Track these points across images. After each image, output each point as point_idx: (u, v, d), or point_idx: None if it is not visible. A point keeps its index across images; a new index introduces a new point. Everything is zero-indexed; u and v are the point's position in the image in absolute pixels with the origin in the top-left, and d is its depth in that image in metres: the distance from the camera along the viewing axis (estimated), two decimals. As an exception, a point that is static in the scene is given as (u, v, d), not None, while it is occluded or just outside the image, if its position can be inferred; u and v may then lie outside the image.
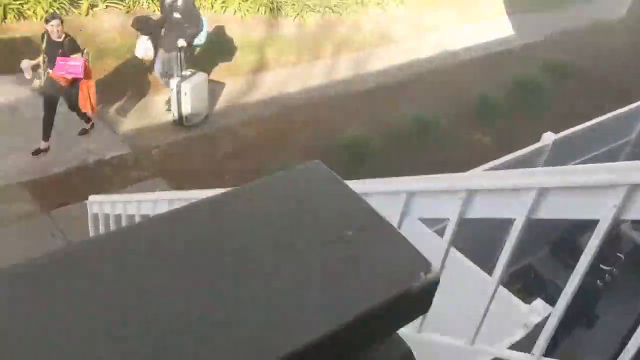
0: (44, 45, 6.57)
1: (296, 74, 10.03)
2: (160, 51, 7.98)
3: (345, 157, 7.78)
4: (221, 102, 8.89)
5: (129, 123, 8.13)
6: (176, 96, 7.84)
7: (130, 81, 8.71)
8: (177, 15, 7.70)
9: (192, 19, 7.83)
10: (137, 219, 4.36)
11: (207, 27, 8.26)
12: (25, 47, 8.31)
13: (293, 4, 11.52)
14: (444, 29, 12.34)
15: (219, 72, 9.57)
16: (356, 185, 2.53)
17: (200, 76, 8.07)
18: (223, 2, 10.89)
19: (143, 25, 7.91)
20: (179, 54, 7.89)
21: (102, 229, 5.09)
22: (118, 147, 7.57)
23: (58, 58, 6.39)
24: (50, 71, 6.58)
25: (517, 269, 5.50)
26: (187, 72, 7.95)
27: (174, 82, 7.81)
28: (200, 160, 7.57)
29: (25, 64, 6.69)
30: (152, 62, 8.19)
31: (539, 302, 3.41)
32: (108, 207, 4.79)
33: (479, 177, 2.03)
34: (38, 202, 6.49)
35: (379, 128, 8.53)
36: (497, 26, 12.76)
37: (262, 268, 0.52)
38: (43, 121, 6.85)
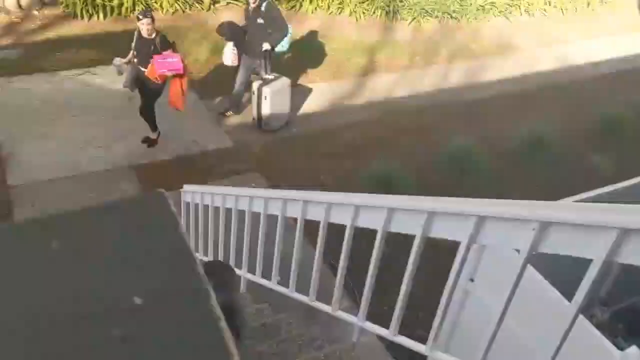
0: (133, 43, 6.61)
1: (406, 79, 9.81)
2: (244, 57, 7.94)
3: (447, 168, 7.46)
4: (324, 103, 8.88)
5: (232, 119, 8.35)
6: (256, 100, 7.85)
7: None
8: (260, 20, 7.62)
9: (276, 24, 7.71)
10: (222, 211, 4.41)
11: (291, 34, 8.12)
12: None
13: (410, 8, 11.30)
14: (570, 42, 11.54)
15: (326, 73, 9.58)
16: (417, 202, 2.35)
17: (283, 81, 8.00)
18: (340, 4, 10.90)
19: (227, 31, 7.88)
20: (263, 59, 7.85)
21: (192, 218, 5.22)
22: (221, 140, 7.78)
23: (155, 56, 6.40)
24: (142, 69, 6.60)
25: (620, 308, 4.93)
26: (269, 76, 7.92)
27: (255, 85, 7.81)
28: (297, 160, 7.59)
29: (118, 61, 6.74)
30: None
31: (634, 350, 3.02)
32: (198, 197, 4.90)
33: (556, 207, 1.77)
34: (142, 186, 6.80)
35: (489, 140, 8.09)
36: (627, 42, 11.71)
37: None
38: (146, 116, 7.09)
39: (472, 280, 3.89)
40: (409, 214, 2.34)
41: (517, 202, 1.85)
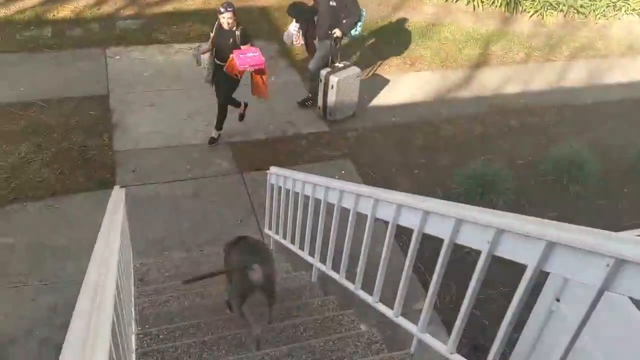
0: (212, 34, 6.41)
1: (520, 75, 9.22)
2: (317, 44, 7.62)
3: (551, 174, 6.94)
4: (429, 93, 8.56)
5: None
6: (323, 88, 7.53)
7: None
8: (332, 3, 7.17)
9: (350, 7, 7.22)
10: (300, 197, 4.36)
11: (364, 17, 7.64)
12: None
13: (533, 0, 10.58)
14: None
15: (435, 62, 9.23)
16: (484, 216, 2.13)
17: (352, 70, 7.60)
18: (456, -8, 10.45)
19: (298, 12, 7.55)
20: (332, 44, 7.41)
21: (275, 199, 5.23)
22: (317, 125, 7.73)
23: (235, 51, 6.20)
24: (219, 62, 6.44)
25: None
26: (338, 64, 7.57)
27: (323, 73, 7.48)
28: (392, 151, 7.39)
29: (196, 50, 6.55)
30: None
31: None
32: (281, 181, 4.89)
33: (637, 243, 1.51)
34: (236, 162, 6.93)
35: (602, 149, 7.42)
36: None
37: None
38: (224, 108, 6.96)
39: (557, 300, 3.61)
40: (475, 227, 2.14)
41: (591, 230, 1.61)
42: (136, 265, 5.28)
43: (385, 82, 8.72)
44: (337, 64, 7.56)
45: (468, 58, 9.39)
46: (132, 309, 3.43)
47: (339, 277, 3.59)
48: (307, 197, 4.26)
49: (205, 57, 6.54)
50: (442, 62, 9.27)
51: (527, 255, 1.84)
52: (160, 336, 3.32)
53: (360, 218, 3.25)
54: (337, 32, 7.25)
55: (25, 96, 7.51)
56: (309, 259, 4.22)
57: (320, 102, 7.75)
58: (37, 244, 5.50)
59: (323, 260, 3.93)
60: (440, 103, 8.39)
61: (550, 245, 1.72)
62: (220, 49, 6.35)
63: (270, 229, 5.58)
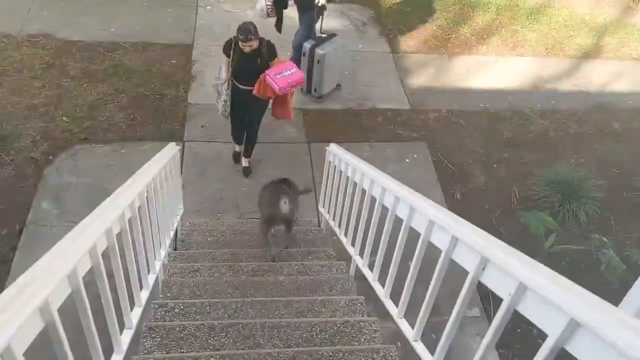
0: (231, 59, 5.20)
1: (632, 72, 8.27)
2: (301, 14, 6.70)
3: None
4: (526, 81, 7.87)
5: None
6: (307, 62, 6.76)
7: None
8: None
9: None
10: (350, 182, 4.07)
11: None
12: None
13: (665, -11, 9.40)
14: None
15: (539, 47, 8.45)
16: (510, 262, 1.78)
17: (336, 41, 6.86)
18: (577, -29, 9.45)
19: None
20: (316, 13, 6.58)
21: (329, 179, 4.99)
22: (398, 100, 7.32)
23: (269, 72, 5.08)
24: (244, 87, 5.30)
25: None
26: (323, 35, 6.81)
27: (307, 45, 6.67)
28: (474, 140, 6.87)
29: (216, 81, 5.47)
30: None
31: None
32: (337, 160, 4.62)
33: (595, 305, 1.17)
34: (305, 131, 6.71)
35: None
36: None
37: None
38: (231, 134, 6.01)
39: None
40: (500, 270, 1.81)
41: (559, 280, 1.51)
42: (186, 224, 5.26)
43: (481, 63, 8.11)
44: (321, 35, 6.87)
45: (578, 47, 8.52)
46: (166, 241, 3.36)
47: (372, 278, 3.31)
48: (356, 184, 3.96)
49: (223, 88, 5.41)
50: (547, 48, 8.47)
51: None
52: (176, 310, 3.21)
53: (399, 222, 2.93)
54: (322, 1, 6.45)
55: (114, 37, 7.62)
56: (349, 249, 3.95)
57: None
58: (98, 187, 5.58)
59: (362, 254, 3.66)
60: (537, 94, 7.69)
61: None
62: (245, 74, 5.22)
63: (323, 206, 5.35)
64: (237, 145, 6.16)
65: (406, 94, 7.45)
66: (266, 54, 5.15)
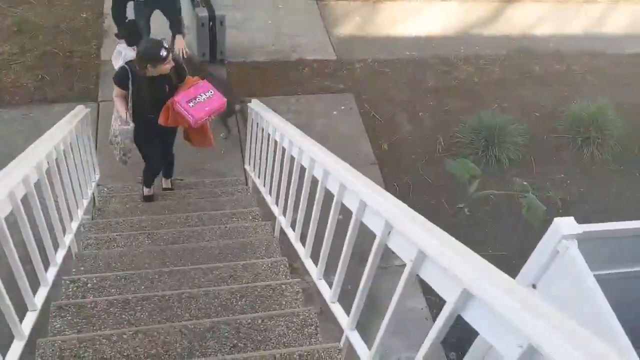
0: (130, 88, 3.93)
1: (555, 16, 8.40)
2: None
3: (566, 131, 6.37)
4: (449, 27, 7.85)
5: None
6: (209, 32, 6.27)
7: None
8: None
9: None
10: (271, 141, 3.95)
11: None
12: None
13: None
14: None
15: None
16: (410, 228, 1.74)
17: None
18: None
19: None
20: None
21: (253, 136, 4.85)
22: (324, 51, 7.16)
23: (179, 100, 3.95)
24: (150, 115, 4.08)
25: None
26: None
27: (203, 14, 6.17)
28: (399, 89, 6.84)
29: (129, 125, 4.06)
30: None
31: None
32: (258, 117, 4.48)
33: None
34: (231, 81, 6.47)
35: (630, 108, 6.74)
36: None
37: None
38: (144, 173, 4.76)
39: (534, 286, 3.29)
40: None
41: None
42: (103, 190, 5.03)
43: (407, 9, 8.01)
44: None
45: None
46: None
47: (294, 239, 3.25)
48: (277, 142, 3.85)
49: (117, 127, 4.13)
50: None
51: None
52: (89, 285, 3.05)
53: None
54: None
55: (16, -10, 7.04)
56: (273, 208, 3.87)
57: (203, 48, 6.43)
58: (6, 155, 5.20)
59: (285, 214, 3.58)
60: (461, 40, 7.69)
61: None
62: (151, 102, 4.02)
63: (249, 164, 5.22)
64: (147, 189, 4.79)
65: (332, 44, 7.29)
66: (174, 75, 4.02)
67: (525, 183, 5.61)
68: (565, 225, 2.92)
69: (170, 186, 5.09)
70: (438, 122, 6.43)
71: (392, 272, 3.25)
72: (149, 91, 3.96)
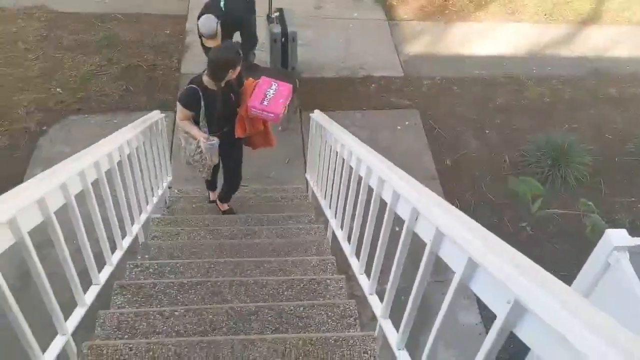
0: (203, 107, 3.82)
1: (633, 38, 8.10)
2: None
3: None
4: (523, 47, 7.76)
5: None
6: (281, 47, 6.28)
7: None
8: None
9: None
10: (327, 148, 4.10)
11: None
12: None
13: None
14: None
15: (538, 13, 8.32)
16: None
17: (291, 14, 6.39)
18: None
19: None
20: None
21: (313, 143, 5.03)
22: (392, 69, 7.29)
23: (252, 104, 3.92)
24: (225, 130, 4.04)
25: None
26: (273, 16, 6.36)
27: (276, 30, 6.22)
28: (466, 106, 6.83)
29: (215, 141, 3.92)
30: None
31: None
32: (317, 127, 4.65)
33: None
34: (298, 98, 6.71)
35: None
36: None
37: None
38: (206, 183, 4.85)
39: None
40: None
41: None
42: (174, 191, 5.34)
43: (478, 30, 8.02)
44: (271, 16, 6.50)
45: (577, 13, 8.37)
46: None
47: (342, 237, 3.37)
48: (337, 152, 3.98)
49: (193, 147, 4.01)
50: (546, 14, 8.34)
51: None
52: (150, 270, 3.29)
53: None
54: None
55: (108, 8, 7.65)
56: (327, 212, 4.01)
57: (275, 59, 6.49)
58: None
59: (336, 216, 3.71)
60: (533, 60, 7.60)
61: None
62: (223, 116, 3.99)
63: (308, 173, 5.39)
64: (212, 193, 4.90)
65: (400, 61, 7.41)
66: (235, 83, 3.93)
67: (590, 203, 5.45)
68: (616, 237, 2.87)
69: (227, 208, 4.80)
70: (504, 140, 6.38)
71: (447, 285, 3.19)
72: (221, 104, 3.85)
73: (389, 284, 2.25)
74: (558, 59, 7.63)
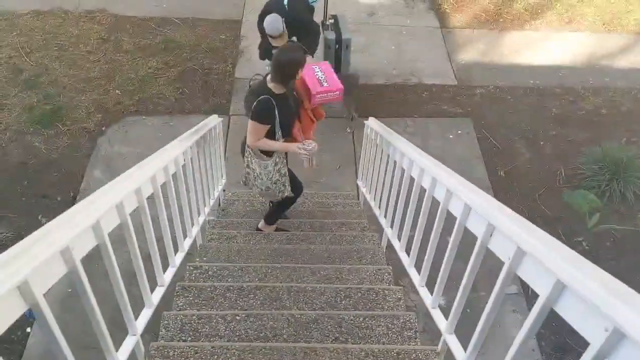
0: (277, 115, 3.46)
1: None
2: None
3: None
4: (579, 57, 7.60)
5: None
6: (334, 54, 6.31)
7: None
8: None
9: None
10: (384, 156, 4.09)
11: None
12: None
13: None
14: None
15: (595, 23, 8.12)
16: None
17: (344, 20, 6.40)
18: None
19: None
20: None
21: (367, 151, 5.03)
22: (444, 76, 7.23)
23: (315, 91, 3.77)
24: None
25: None
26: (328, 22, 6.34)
27: (331, 37, 6.25)
28: (521, 116, 6.72)
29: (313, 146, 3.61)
30: None
31: None
32: (373, 134, 4.64)
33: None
34: (348, 104, 6.72)
35: None
36: None
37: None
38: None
39: None
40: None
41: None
42: (228, 194, 5.43)
43: (533, 38, 7.88)
44: (326, 22, 6.47)
45: (637, 22, 8.14)
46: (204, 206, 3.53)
47: (399, 248, 3.36)
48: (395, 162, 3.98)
49: (270, 169, 3.72)
50: (605, 24, 8.13)
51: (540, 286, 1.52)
52: (209, 272, 3.36)
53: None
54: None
55: (165, 12, 7.83)
56: (382, 220, 4.00)
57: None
58: (146, 157, 5.81)
59: (393, 226, 3.70)
60: (590, 70, 7.42)
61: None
62: (294, 120, 3.73)
63: (361, 180, 5.40)
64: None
65: (453, 69, 7.35)
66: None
67: (651, 220, 5.31)
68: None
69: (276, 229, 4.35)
70: (559, 152, 6.25)
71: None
72: (287, 109, 3.54)
73: (457, 299, 2.23)
74: (616, 70, 7.43)
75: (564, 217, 5.45)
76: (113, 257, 2.00)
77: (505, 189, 5.84)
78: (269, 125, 3.46)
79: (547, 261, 1.50)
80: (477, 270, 2.11)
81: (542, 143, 6.40)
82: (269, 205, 4.38)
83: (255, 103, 3.37)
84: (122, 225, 2.14)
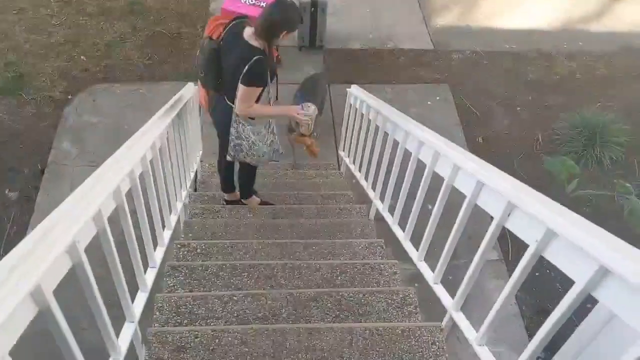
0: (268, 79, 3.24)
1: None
2: None
3: None
4: (553, 22, 7.58)
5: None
6: (310, 17, 6.39)
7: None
8: None
9: None
10: (371, 126, 4.01)
11: None
12: None
13: None
14: None
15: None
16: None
17: None
18: None
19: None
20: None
21: (350, 122, 4.93)
22: (421, 41, 7.12)
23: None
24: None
25: None
26: None
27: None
28: (497, 82, 6.69)
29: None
30: None
31: None
32: (358, 103, 4.53)
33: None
34: (326, 66, 6.58)
35: None
36: None
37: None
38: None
39: None
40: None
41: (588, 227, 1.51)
42: (206, 165, 5.27)
43: (510, 3, 7.82)
44: None
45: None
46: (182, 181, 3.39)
47: (392, 222, 3.31)
48: (378, 127, 3.90)
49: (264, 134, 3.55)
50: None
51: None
52: (198, 250, 3.24)
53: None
54: None
55: (130, -27, 7.45)
56: (370, 193, 3.94)
57: (304, 33, 6.63)
58: (118, 127, 5.59)
59: (382, 198, 3.64)
60: (564, 35, 7.41)
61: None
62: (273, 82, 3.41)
63: (343, 150, 5.31)
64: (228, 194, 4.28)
65: (429, 33, 7.24)
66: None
67: (628, 185, 5.38)
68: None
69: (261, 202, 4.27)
70: (536, 118, 6.26)
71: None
72: (273, 65, 3.28)
73: (467, 276, 2.19)
74: (590, 34, 7.44)
75: (543, 184, 5.48)
76: (112, 244, 1.88)
77: (484, 156, 5.73)
78: (264, 86, 3.19)
79: (536, 212, 1.67)
80: (464, 225, 2.26)
81: (518, 109, 6.40)
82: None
83: (253, 65, 3.04)
84: (118, 208, 2.01)
